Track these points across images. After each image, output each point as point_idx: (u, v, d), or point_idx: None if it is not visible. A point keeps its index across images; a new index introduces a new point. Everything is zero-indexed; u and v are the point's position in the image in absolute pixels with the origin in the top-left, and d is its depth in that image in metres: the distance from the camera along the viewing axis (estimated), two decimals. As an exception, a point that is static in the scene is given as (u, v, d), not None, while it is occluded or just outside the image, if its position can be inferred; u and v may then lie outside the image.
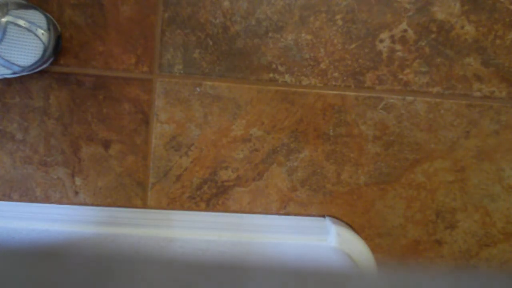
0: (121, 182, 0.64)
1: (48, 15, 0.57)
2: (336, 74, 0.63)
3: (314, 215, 0.67)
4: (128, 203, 0.65)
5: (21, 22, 0.55)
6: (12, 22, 0.54)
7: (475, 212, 0.69)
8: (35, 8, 0.56)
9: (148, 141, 0.64)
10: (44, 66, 0.58)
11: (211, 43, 0.61)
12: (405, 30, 0.62)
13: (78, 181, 0.64)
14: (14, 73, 0.57)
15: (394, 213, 0.68)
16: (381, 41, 0.62)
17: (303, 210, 0.67)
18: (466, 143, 0.66)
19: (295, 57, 0.62)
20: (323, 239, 0.63)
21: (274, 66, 0.62)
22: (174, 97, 0.62)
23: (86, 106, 0.62)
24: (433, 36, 0.63)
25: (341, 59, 0.63)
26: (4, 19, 0.54)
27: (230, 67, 0.62)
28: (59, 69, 0.61)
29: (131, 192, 0.65)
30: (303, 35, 0.62)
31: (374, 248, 0.67)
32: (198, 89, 0.62)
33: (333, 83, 0.63)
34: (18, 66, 0.56)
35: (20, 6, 0.56)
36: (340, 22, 0.62)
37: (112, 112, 0.62)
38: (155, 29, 0.61)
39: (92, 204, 0.65)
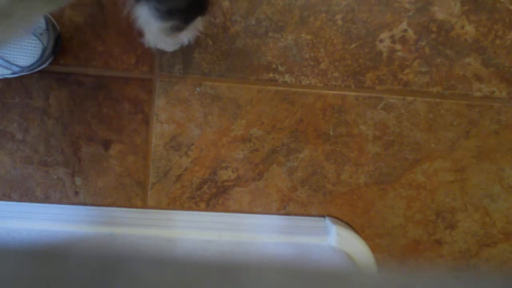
0: (121, 182, 0.64)
1: (48, 14, 0.57)
2: (336, 74, 0.63)
3: (314, 215, 0.67)
4: (128, 203, 0.65)
5: (21, 22, 0.55)
6: (12, 22, 0.54)
7: (475, 212, 0.69)
8: (35, 8, 0.56)
9: (148, 141, 0.64)
10: (44, 66, 0.58)
11: (211, 43, 0.61)
12: (405, 30, 0.62)
13: (78, 181, 0.64)
14: (14, 73, 0.57)
15: (394, 213, 0.68)
16: (381, 41, 0.62)
17: (303, 210, 0.67)
18: (466, 143, 0.66)
19: (295, 57, 0.62)
20: (323, 239, 0.63)
21: (274, 66, 0.62)
22: (174, 97, 0.62)
23: (86, 106, 0.62)
24: (433, 36, 0.63)
25: (341, 59, 0.63)
26: None
27: (230, 67, 0.62)
28: (59, 69, 0.61)
29: (131, 192, 0.65)
30: (303, 35, 0.62)
31: (374, 248, 0.67)
32: (198, 89, 0.62)
33: (333, 83, 0.63)
34: (17, 66, 0.56)
35: (20, 6, 0.55)
36: (340, 22, 0.62)
37: (112, 112, 0.62)
38: (155, 29, 0.61)
39: (92, 204, 0.65)
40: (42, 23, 0.55)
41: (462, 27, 0.63)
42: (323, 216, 0.67)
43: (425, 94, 0.64)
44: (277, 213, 0.67)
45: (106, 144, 0.63)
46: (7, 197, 0.64)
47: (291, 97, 0.63)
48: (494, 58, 0.64)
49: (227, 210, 0.66)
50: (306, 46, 0.62)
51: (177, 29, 0.48)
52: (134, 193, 0.65)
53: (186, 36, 0.53)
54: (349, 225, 0.67)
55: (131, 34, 0.61)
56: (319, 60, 0.62)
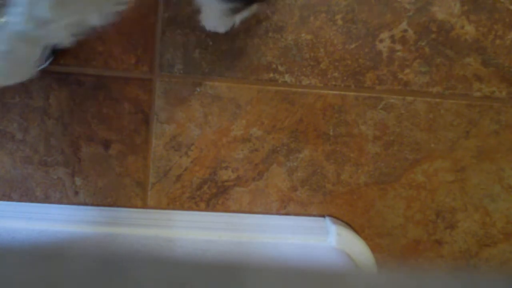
0: (121, 182, 0.64)
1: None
2: (336, 74, 0.63)
3: (314, 215, 0.67)
4: (128, 203, 0.65)
5: (21, 22, 0.55)
6: (12, 22, 0.54)
7: (475, 212, 0.69)
8: (35, 8, 0.56)
9: (148, 141, 0.64)
10: (44, 66, 0.58)
11: (211, 43, 0.61)
12: (405, 30, 0.62)
13: (78, 181, 0.64)
14: (14, 73, 0.57)
15: (394, 213, 0.68)
16: (381, 41, 0.62)
17: (303, 210, 0.67)
18: (466, 143, 0.66)
19: (295, 57, 0.62)
20: (323, 239, 0.63)
21: (274, 66, 0.62)
22: (174, 97, 0.62)
23: (86, 106, 0.62)
24: (433, 36, 0.63)
25: (341, 59, 0.63)
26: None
27: (230, 67, 0.62)
28: (59, 69, 0.61)
29: (131, 192, 0.65)
30: (303, 35, 0.62)
31: (374, 248, 0.67)
32: (198, 89, 0.62)
33: (333, 83, 0.63)
34: (18, 66, 0.56)
35: (20, 6, 0.56)
36: (340, 22, 0.62)
37: (112, 112, 0.62)
38: (155, 29, 0.61)
39: (92, 204, 0.65)
40: (42, 23, 0.55)
41: (462, 27, 0.63)
42: (323, 216, 0.67)
43: (425, 94, 0.64)
44: (277, 213, 0.67)
45: (106, 144, 0.63)
46: (7, 197, 0.64)
47: (291, 97, 0.63)
48: (494, 58, 0.64)
49: (227, 210, 0.66)
50: (306, 46, 0.62)
51: (238, 10, 0.51)
52: (134, 193, 0.65)
53: (240, 16, 0.55)
54: (349, 225, 0.67)
55: (131, 34, 0.61)
56: (319, 60, 0.62)
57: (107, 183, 0.64)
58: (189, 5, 0.60)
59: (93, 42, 0.60)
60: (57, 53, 0.59)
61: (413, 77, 0.64)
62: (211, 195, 0.66)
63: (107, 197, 0.65)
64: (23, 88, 0.61)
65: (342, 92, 0.64)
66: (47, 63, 0.59)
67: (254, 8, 0.55)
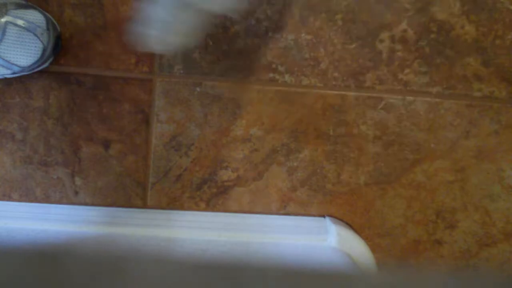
0: (121, 182, 0.64)
1: (48, 14, 0.57)
2: (336, 74, 0.63)
3: (314, 215, 0.67)
4: (128, 203, 0.65)
5: (20, 22, 0.55)
6: (11, 22, 0.54)
7: (475, 212, 0.69)
8: (34, 8, 0.56)
9: (148, 141, 0.64)
10: (44, 66, 0.58)
11: (211, 43, 0.61)
12: (405, 30, 0.62)
13: (78, 181, 0.64)
14: (14, 73, 0.57)
15: (394, 213, 0.68)
16: (381, 41, 0.62)
17: (303, 210, 0.67)
18: (466, 143, 0.66)
19: (295, 57, 0.62)
20: (323, 239, 0.63)
21: (274, 66, 0.62)
22: (174, 97, 0.62)
23: (86, 106, 0.62)
24: (433, 36, 0.63)
25: (341, 59, 0.63)
26: (3, 19, 0.54)
27: (230, 67, 0.62)
28: (59, 69, 0.61)
29: (131, 192, 0.65)
30: (303, 35, 0.62)
31: (374, 248, 0.67)
32: (198, 89, 0.62)
33: (333, 83, 0.63)
34: (18, 66, 0.56)
35: (19, 6, 0.56)
36: (340, 22, 0.62)
37: (112, 112, 0.62)
38: (155, 29, 0.61)
39: (92, 204, 0.65)
40: (42, 23, 0.55)
41: (462, 27, 0.63)
42: (323, 216, 0.67)
43: (425, 94, 0.64)
44: (277, 213, 0.67)
45: (106, 144, 0.63)
46: (7, 197, 0.64)
47: (291, 97, 0.63)
48: (494, 58, 0.64)
49: (227, 210, 0.66)
50: (306, 46, 0.62)
51: None
52: (134, 193, 0.65)
53: None
54: (349, 225, 0.67)
55: (131, 34, 0.61)
56: (319, 60, 0.62)
57: (107, 183, 0.64)
58: (189, 5, 0.60)
59: (93, 42, 0.60)
60: (57, 53, 0.59)
61: (413, 77, 0.64)
62: (211, 195, 0.66)
63: (107, 197, 0.65)
64: (23, 88, 0.61)
65: (342, 92, 0.64)
66: (47, 63, 0.59)
67: None
